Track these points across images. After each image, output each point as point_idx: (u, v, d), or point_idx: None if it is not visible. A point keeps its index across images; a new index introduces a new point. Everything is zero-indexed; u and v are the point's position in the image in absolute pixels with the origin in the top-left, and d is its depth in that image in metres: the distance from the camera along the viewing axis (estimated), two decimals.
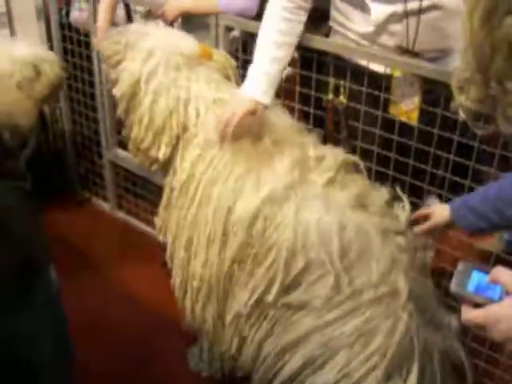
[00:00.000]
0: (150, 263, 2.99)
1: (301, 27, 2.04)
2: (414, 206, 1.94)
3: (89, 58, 3.06)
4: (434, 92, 1.96)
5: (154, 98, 1.99)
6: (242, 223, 1.78)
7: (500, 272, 1.08)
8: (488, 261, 2.00)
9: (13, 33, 3.21)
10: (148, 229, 3.24)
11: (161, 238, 2.17)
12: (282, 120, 2.02)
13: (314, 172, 1.84)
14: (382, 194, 1.88)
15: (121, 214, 3.41)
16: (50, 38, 3.22)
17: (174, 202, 2.03)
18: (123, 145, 3.13)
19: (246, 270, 1.83)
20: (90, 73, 3.12)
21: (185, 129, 1.99)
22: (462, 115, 1.76)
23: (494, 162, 1.89)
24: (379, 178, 1.99)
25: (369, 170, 2.02)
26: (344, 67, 2.10)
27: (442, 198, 2.07)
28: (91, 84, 3.15)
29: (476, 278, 1.10)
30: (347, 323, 1.70)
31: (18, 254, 1.71)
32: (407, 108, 2.04)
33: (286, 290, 1.77)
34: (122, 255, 3.13)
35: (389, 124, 2.08)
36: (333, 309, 1.71)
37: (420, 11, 1.91)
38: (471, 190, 1.91)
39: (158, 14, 2.50)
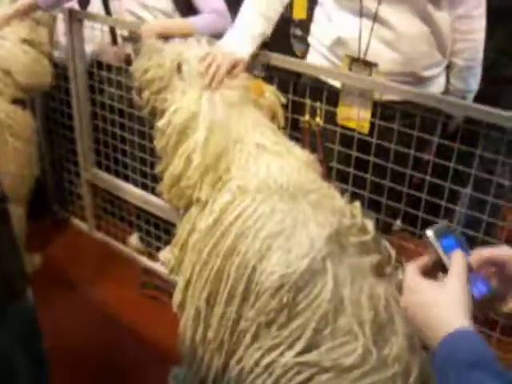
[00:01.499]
0: (128, 284, 2.99)
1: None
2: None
3: (66, 78, 3.06)
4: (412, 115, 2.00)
5: (207, 135, 1.86)
6: (265, 287, 1.69)
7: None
8: None
9: None
10: (126, 250, 3.23)
11: (172, 276, 2.07)
12: (317, 181, 1.92)
13: (349, 239, 1.72)
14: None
15: (99, 235, 3.38)
16: None
17: (192, 244, 1.91)
18: (101, 165, 3.14)
19: (263, 330, 1.73)
20: (67, 92, 3.11)
21: (226, 170, 1.89)
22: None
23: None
24: (355, 199, 2.00)
25: (344, 191, 2.02)
26: (320, 88, 2.12)
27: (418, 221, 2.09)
28: (68, 104, 3.14)
29: (453, 239, 1.12)
30: None
31: None
32: (358, 117, 2.08)
33: (302, 352, 1.67)
34: (101, 276, 3.10)
35: (366, 145, 2.09)
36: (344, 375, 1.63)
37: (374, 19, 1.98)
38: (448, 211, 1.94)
39: (136, 37, 2.50)
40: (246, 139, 1.89)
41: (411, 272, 1.10)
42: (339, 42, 2.06)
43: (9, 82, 2.67)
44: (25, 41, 2.69)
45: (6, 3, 2.79)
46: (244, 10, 2.14)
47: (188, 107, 1.87)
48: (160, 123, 1.90)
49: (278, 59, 2.16)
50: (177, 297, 1.94)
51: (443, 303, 1.01)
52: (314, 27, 2.23)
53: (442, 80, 2.17)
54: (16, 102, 2.71)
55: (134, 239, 3.25)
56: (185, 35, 2.36)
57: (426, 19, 2.00)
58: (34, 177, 2.85)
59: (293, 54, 2.76)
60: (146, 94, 1.99)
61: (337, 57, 2.09)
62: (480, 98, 2.16)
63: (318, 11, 2.20)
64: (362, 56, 2.03)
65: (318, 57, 2.16)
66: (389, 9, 1.97)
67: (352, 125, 2.08)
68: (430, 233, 1.12)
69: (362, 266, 1.67)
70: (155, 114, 2.00)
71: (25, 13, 2.71)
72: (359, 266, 1.68)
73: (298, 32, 2.85)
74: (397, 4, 1.96)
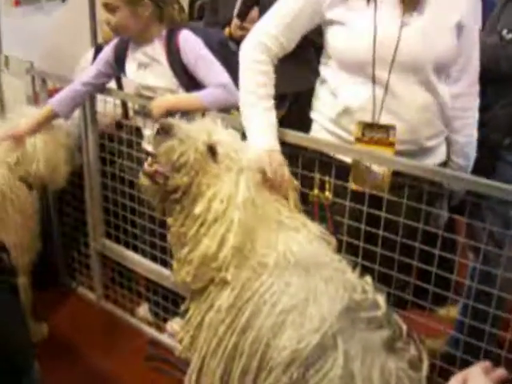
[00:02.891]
0: (135, 356, 2.96)
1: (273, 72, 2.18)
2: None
3: (78, 148, 3.11)
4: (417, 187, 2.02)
5: (242, 215, 1.84)
6: (277, 363, 1.68)
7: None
8: None
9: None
10: (134, 320, 3.21)
11: (184, 355, 2.02)
12: (330, 254, 1.94)
13: (360, 314, 1.71)
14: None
15: (107, 305, 3.37)
16: None
17: (208, 322, 1.89)
18: (110, 235, 3.16)
19: None
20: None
21: (252, 249, 1.87)
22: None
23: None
24: (365, 272, 2.00)
25: (354, 264, 2.03)
26: (328, 162, 2.15)
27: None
28: (79, 174, 3.18)
29: None
30: None
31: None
32: (375, 181, 2.10)
33: None
34: (107, 347, 3.07)
35: (375, 219, 2.11)
36: None
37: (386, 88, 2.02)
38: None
39: (146, 111, 2.56)
40: (268, 216, 1.91)
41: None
42: (346, 113, 2.09)
43: (22, 165, 2.78)
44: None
45: None
46: (248, 97, 2.16)
47: (227, 192, 1.86)
48: (198, 210, 1.86)
49: (295, 137, 2.18)
50: (191, 376, 1.92)
51: None
52: (316, 103, 2.26)
53: (443, 149, 2.23)
54: (24, 181, 2.80)
55: (142, 310, 3.24)
56: (194, 110, 2.42)
57: (430, 89, 2.07)
58: (35, 249, 2.91)
59: None
60: (178, 178, 1.89)
61: (342, 128, 2.13)
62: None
63: (320, 88, 2.23)
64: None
65: (323, 132, 2.19)
66: (397, 78, 2.02)
67: (368, 187, 2.10)
68: None
69: (373, 342, 1.66)
70: (178, 198, 1.94)
71: (45, 122, 2.83)
72: (370, 341, 1.66)
73: None
74: (404, 73, 2.02)
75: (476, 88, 2.21)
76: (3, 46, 3.31)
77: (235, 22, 3.11)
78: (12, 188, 2.73)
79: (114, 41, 2.76)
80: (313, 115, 2.28)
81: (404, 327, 1.74)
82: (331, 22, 2.09)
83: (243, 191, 1.86)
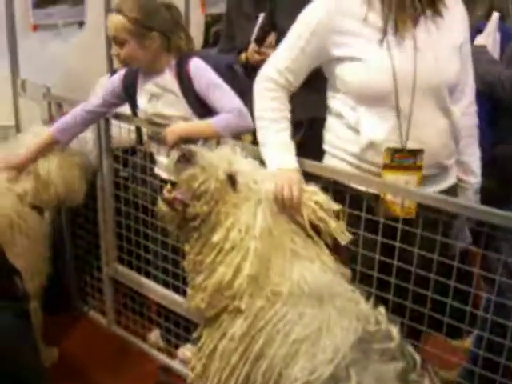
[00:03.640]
0: (145, 381, 2.96)
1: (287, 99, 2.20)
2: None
3: (93, 173, 3.12)
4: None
5: (258, 244, 1.85)
6: None
7: None
8: None
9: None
10: (144, 346, 3.20)
11: (196, 383, 2.02)
12: (343, 284, 1.93)
13: (374, 345, 1.70)
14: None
15: (118, 330, 3.35)
16: None
17: (221, 351, 1.89)
18: (123, 260, 3.16)
19: None
20: (93, 187, 3.15)
21: (266, 278, 1.87)
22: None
23: None
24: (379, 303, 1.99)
25: (368, 294, 2.01)
26: (343, 192, 2.15)
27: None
28: (93, 198, 3.19)
29: None
30: None
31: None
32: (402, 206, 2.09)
33: None
34: (118, 372, 3.05)
35: (388, 249, 2.10)
36: None
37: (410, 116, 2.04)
38: None
39: (160, 137, 2.58)
40: (283, 245, 1.90)
41: None
42: (371, 146, 2.08)
43: (32, 189, 2.79)
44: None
45: None
46: (262, 123, 2.18)
47: (245, 222, 1.86)
48: (215, 238, 1.87)
49: (314, 167, 2.18)
50: None
51: None
52: (330, 137, 2.24)
53: (455, 169, 2.26)
54: (34, 207, 2.81)
55: (153, 336, 3.23)
56: (207, 136, 2.43)
57: (447, 112, 2.10)
58: (44, 273, 2.90)
59: None
60: (198, 206, 1.90)
61: (367, 162, 2.11)
62: None
63: (335, 122, 2.21)
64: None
65: (342, 163, 2.18)
66: (418, 104, 2.04)
67: (398, 213, 2.09)
68: None
69: (387, 373, 1.65)
70: (196, 226, 1.94)
71: (46, 149, 2.84)
72: (384, 373, 1.65)
73: None
74: (425, 99, 2.05)
75: (474, 107, 2.25)
76: (21, 70, 3.35)
77: (252, 46, 3.14)
78: (20, 214, 2.74)
79: (123, 71, 2.79)
80: (328, 149, 2.26)
81: (418, 358, 1.72)
82: (340, 59, 2.09)
83: (261, 222, 1.87)
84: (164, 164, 2.68)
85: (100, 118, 2.89)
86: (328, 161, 2.25)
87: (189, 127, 2.50)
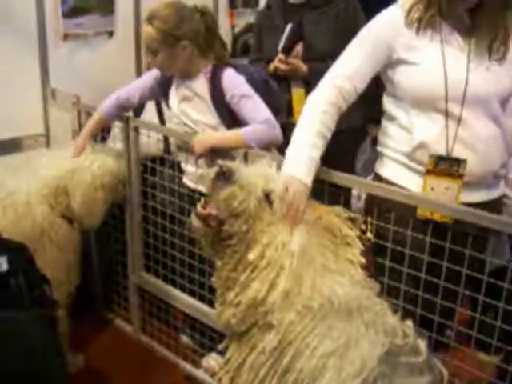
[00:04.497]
0: None
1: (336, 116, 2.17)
2: None
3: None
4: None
5: (293, 261, 1.83)
6: None
7: None
8: None
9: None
10: (170, 354, 3.21)
11: None
12: (372, 298, 1.91)
13: (401, 359, 1.69)
14: None
15: (143, 338, 3.37)
16: None
17: (250, 364, 1.88)
18: (149, 269, 3.17)
19: None
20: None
21: (298, 294, 1.85)
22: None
23: None
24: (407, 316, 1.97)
25: (396, 307, 2.00)
26: (370, 203, 2.14)
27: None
28: (120, 207, 3.21)
29: None
30: None
31: None
32: None
33: None
34: (143, 380, 3.07)
35: (416, 262, 2.09)
36: None
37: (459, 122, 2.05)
38: None
39: (188, 147, 2.59)
40: (314, 260, 1.89)
41: None
42: (421, 146, 2.10)
43: (63, 201, 2.81)
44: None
45: None
46: (300, 132, 2.12)
47: (282, 241, 1.85)
48: (251, 256, 1.85)
49: (343, 178, 2.15)
50: None
51: None
52: (385, 140, 2.27)
53: (502, 182, 2.26)
54: (65, 216, 2.84)
55: (185, 337, 3.25)
56: (235, 148, 2.44)
57: (497, 121, 2.10)
58: (73, 283, 2.93)
59: None
60: (237, 225, 1.86)
61: (417, 161, 2.14)
62: None
63: (389, 125, 2.24)
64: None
65: (396, 166, 2.21)
66: (467, 111, 2.05)
67: (437, 217, 2.08)
68: None
69: None
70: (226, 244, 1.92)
71: (95, 128, 2.95)
72: None
73: None
74: (475, 106, 2.05)
75: None
76: (50, 79, 3.39)
77: (280, 56, 3.15)
78: (51, 224, 2.76)
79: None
80: (382, 150, 2.29)
81: (445, 373, 1.71)
82: (399, 62, 2.12)
83: (298, 239, 1.86)
84: (192, 173, 2.69)
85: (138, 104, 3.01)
86: (385, 163, 2.27)
87: (217, 139, 2.50)
